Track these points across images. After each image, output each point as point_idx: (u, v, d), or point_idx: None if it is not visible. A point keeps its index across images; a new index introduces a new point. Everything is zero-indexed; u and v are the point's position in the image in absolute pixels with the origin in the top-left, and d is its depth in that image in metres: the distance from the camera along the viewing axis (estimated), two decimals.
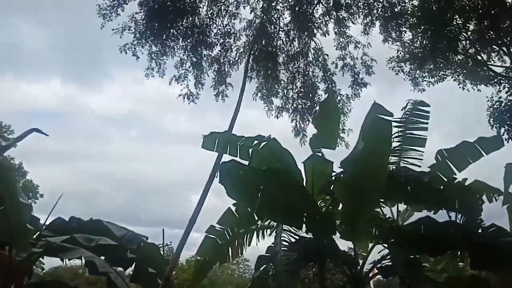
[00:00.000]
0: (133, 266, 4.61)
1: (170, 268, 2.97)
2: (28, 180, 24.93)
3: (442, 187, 4.67)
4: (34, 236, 5.11)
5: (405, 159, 6.05)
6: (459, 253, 4.91)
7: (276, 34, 10.28)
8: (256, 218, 5.79)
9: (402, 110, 6.09)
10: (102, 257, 4.47)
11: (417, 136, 5.93)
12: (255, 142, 5.90)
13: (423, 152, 6.03)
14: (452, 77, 11.48)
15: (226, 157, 5.68)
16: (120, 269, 4.69)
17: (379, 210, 5.99)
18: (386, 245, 5.70)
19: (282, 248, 4.66)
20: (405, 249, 4.21)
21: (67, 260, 4.46)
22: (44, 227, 5.40)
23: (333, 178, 5.20)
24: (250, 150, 5.90)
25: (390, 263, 4.30)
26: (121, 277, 4.20)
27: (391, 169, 5.39)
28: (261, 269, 4.63)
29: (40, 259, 5.62)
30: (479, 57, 11.19)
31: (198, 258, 5.55)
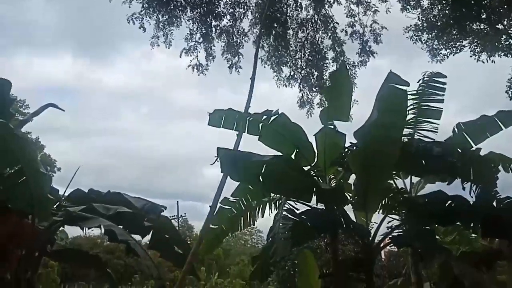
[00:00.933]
0: (151, 234, 4.76)
1: (198, 243, 3.07)
2: (45, 154, 25.58)
3: (456, 158, 4.63)
4: (55, 206, 5.29)
5: (419, 131, 5.98)
6: (471, 224, 4.93)
7: (286, 1, 10.04)
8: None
9: (418, 82, 5.99)
10: (120, 226, 4.61)
11: (432, 108, 5.83)
12: (264, 117, 5.88)
13: (438, 124, 5.96)
14: (470, 47, 11.13)
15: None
16: (138, 237, 4.83)
17: (391, 182, 6.01)
18: (398, 216, 5.76)
19: (282, 219, 4.77)
20: (418, 220, 4.23)
21: (86, 229, 4.61)
22: (63, 198, 5.57)
23: (346, 150, 5.21)
24: (260, 125, 5.90)
25: (402, 234, 4.34)
26: (139, 244, 4.34)
27: (405, 140, 5.35)
28: (270, 239, 4.77)
29: (61, 228, 5.83)
30: (500, 25, 10.78)
31: (213, 227, 5.71)
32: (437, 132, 5.94)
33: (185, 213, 35.54)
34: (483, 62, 10.87)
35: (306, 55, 10.41)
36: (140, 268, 47.22)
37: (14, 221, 4.76)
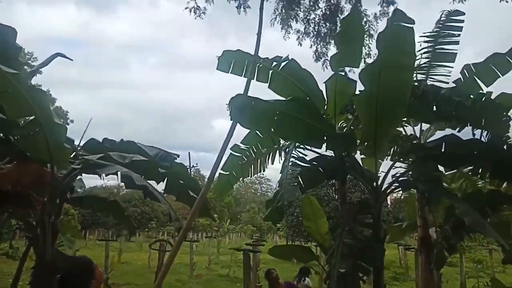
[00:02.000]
0: (165, 180, 4.94)
1: (207, 186, 3.18)
2: (57, 107, 25.85)
3: (467, 103, 4.56)
4: (71, 156, 5.47)
5: (432, 76, 5.86)
6: (480, 169, 4.98)
7: None
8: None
9: (435, 24, 5.76)
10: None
11: (447, 50, 5.63)
12: (274, 63, 5.76)
13: (452, 67, 5.81)
14: None
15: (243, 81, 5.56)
16: (153, 184, 5.01)
17: (401, 129, 6.01)
18: (406, 164, 5.83)
19: (291, 166, 4.87)
20: (426, 165, 4.28)
21: (104, 176, 4.78)
22: (79, 148, 5.72)
23: (355, 96, 5.16)
24: (270, 72, 5.80)
25: (410, 178, 4.43)
26: (156, 189, 4.52)
27: (415, 85, 5.27)
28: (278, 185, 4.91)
29: (79, 177, 6.05)
30: None
31: (224, 173, 5.88)
32: (450, 76, 5.81)
33: (196, 164, 36.36)
34: (507, 2, 10.25)
35: (321, 8, 9.94)
36: (155, 215, 49.38)
37: (34, 169, 4.97)
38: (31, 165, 5.01)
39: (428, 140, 5.74)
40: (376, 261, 4.03)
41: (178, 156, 5.49)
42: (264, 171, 6.21)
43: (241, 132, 6.20)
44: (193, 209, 3.08)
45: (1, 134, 5.32)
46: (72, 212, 23.62)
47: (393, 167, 5.03)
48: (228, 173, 6.18)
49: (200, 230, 38.76)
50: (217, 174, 5.95)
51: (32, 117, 4.68)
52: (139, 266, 17.53)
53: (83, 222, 37.09)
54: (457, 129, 5.24)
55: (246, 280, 8.32)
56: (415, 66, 5.18)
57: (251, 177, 6.02)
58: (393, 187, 4.47)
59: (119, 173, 4.34)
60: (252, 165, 6.16)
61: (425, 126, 6.09)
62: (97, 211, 5.98)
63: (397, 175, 4.54)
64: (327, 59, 9.87)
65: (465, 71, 5.54)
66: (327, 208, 17.57)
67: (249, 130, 6.05)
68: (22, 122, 5.32)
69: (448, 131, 5.38)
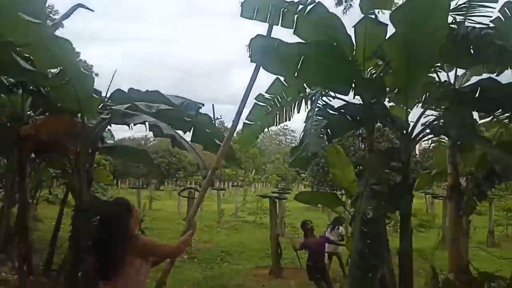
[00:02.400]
0: (192, 129, 5.00)
1: (231, 131, 3.18)
2: (82, 60, 26.07)
3: (509, 45, 4.23)
4: (99, 107, 5.58)
5: (471, 17, 5.44)
6: None
7: None
8: (305, 85, 5.83)
9: None
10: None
11: None
12: (300, 7, 5.46)
13: (494, 8, 5.35)
14: None
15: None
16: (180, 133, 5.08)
17: (434, 75, 5.73)
18: (438, 110, 5.61)
19: (316, 114, 4.76)
20: (460, 111, 4.09)
21: (132, 126, 4.87)
22: (106, 99, 5.81)
23: (386, 40, 4.88)
24: (295, 16, 5.53)
25: (443, 124, 4.27)
26: (183, 138, 4.59)
27: (451, 27, 4.91)
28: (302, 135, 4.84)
29: (108, 128, 6.21)
30: None
31: (249, 123, 5.86)
32: (491, 17, 5.37)
33: (220, 116, 36.63)
34: None
35: None
36: (182, 165, 50.87)
37: (66, 120, 5.13)
38: (63, 115, 5.17)
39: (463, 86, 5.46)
40: (403, 207, 4.02)
41: (203, 105, 5.50)
42: (289, 120, 6.14)
43: (265, 82, 6.09)
44: (220, 150, 3.11)
45: (33, 87, 5.46)
46: (103, 162, 24.63)
47: (423, 116, 4.86)
48: (252, 123, 6.15)
49: (226, 180, 39.87)
50: (241, 125, 5.96)
51: (59, 68, 4.73)
52: (169, 213, 18.44)
53: (114, 172, 38.73)
54: (495, 73, 4.95)
55: (272, 225, 8.60)
56: (453, 6, 4.81)
57: (276, 126, 5.97)
58: (424, 133, 4.33)
59: (146, 122, 4.39)
60: (277, 115, 6.09)
61: (460, 71, 5.78)
62: (128, 160, 6.17)
63: (430, 120, 4.38)
64: (350, 4, 9.33)
65: (505, 9, 5.10)
66: (353, 158, 17.48)
67: (273, 79, 5.93)
68: (51, 73, 5.41)
69: (485, 75, 5.10)
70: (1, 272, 7.31)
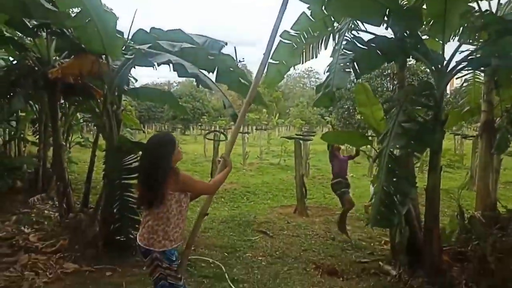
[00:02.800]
0: (216, 69, 4.92)
1: (260, 70, 3.09)
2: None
3: None
4: (123, 48, 5.53)
5: None
6: None
7: None
8: (333, 19, 5.52)
9: None
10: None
11: None
12: None
13: None
14: None
15: None
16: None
17: (474, 4, 5.29)
18: (476, 44, 5.25)
19: (343, 49, 4.53)
20: (503, 41, 3.79)
21: (156, 66, 4.84)
22: (128, 40, 5.74)
23: None
24: None
25: (481, 57, 4.01)
26: (208, 77, 4.53)
27: None
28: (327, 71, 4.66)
29: (133, 68, 6.18)
30: None
31: (274, 62, 5.69)
32: None
33: (243, 58, 35.87)
34: None
35: None
36: (206, 110, 51.18)
37: (92, 60, 5.14)
38: (88, 56, 5.17)
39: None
40: (434, 144, 3.93)
41: (226, 44, 5.35)
42: (316, 57, 5.91)
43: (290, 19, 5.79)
44: (253, 83, 3.06)
45: (57, 28, 5.44)
46: (129, 108, 25.12)
47: (459, 51, 4.56)
48: (277, 62, 5.96)
49: (250, 124, 40.06)
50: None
51: (80, 8, 4.65)
52: (196, 156, 18.93)
53: (140, 118, 39.56)
54: None
55: (297, 166, 8.69)
56: None
57: (302, 63, 5.77)
58: (460, 67, 4.09)
59: (171, 62, 4.33)
60: (304, 52, 5.87)
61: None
62: (153, 101, 6.20)
63: (467, 53, 4.11)
64: None
65: None
66: (380, 100, 17.01)
67: (299, 15, 5.64)
68: (74, 13, 5.34)
69: None
70: (44, 210, 7.86)
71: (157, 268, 2.72)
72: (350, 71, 4.45)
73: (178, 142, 2.93)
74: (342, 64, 4.37)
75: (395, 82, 5.04)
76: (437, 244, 4.37)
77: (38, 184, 9.01)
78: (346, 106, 21.71)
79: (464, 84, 8.44)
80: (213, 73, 5.07)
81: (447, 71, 4.09)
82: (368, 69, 4.69)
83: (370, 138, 5.64)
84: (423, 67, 19.60)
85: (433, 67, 4.17)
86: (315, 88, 4.81)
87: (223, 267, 5.00)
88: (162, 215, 2.71)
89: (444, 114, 4.19)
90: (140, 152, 2.98)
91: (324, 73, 4.87)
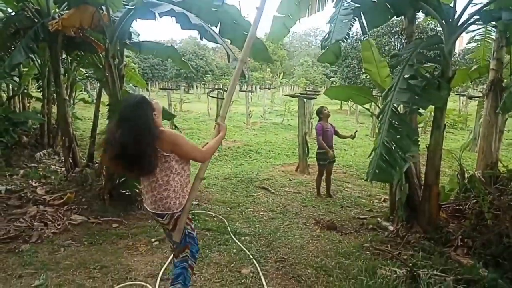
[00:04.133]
0: (219, 23, 4.78)
1: (257, 17, 2.97)
2: None
3: None
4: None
5: None
6: None
7: None
8: None
9: None
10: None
11: None
12: None
13: None
14: None
15: None
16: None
17: None
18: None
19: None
20: None
21: (158, 18, 4.69)
22: None
23: None
24: None
25: (492, 10, 3.85)
26: (211, 29, 4.41)
27: None
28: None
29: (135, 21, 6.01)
30: None
31: (278, 15, 5.49)
32: None
33: (248, 14, 34.64)
34: None
35: None
36: (210, 68, 50.41)
37: (92, 12, 5.00)
38: (88, 8, 5.03)
39: None
40: (440, 101, 3.88)
41: None
42: (322, 10, 5.69)
43: None
44: (245, 46, 2.95)
45: None
46: (133, 65, 24.80)
47: (472, 4, 4.37)
48: (283, 15, 5.75)
49: (254, 84, 39.61)
50: (271, 19, 5.61)
51: None
52: (199, 114, 18.90)
53: (144, 76, 39.12)
54: None
55: (300, 125, 8.68)
56: None
57: (308, 16, 5.56)
58: (472, 20, 3.94)
59: (174, 12, 4.19)
60: (310, 5, 5.65)
61: None
62: (156, 56, 6.06)
63: (478, 7, 3.95)
64: None
65: None
66: (387, 58, 16.70)
67: None
68: None
69: None
70: (50, 164, 8.00)
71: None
72: (351, 23, 4.27)
73: (151, 98, 2.65)
74: (343, 15, 4.19)
75: (403, 40, 4.87)
76: (436, 201, 4.45)
77: (44, 140, 9.12)
78: (352, 65, 21.33)
79: (473, 45, 8.22)
80: (216, 27, 4.94)
81: (458, 25, 3.95)
82: (376, 23, 4.51)
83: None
84: (433, 25, 18.99)
85: (443, 21, 4.02)
86: (321, 42, 4.66)
87: (225, 221, 5.14)
88: (167, 178, 2.56)
89: (452, 71, 4.10)
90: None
91: (325, 25, 4.72)
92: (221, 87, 17.88)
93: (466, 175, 5.59)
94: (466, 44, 10.58)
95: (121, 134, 2.40)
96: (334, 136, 6.66)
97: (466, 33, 5.80)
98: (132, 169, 2.53)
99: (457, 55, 19.47)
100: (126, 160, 2.47)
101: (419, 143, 4.35)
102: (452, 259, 3.82)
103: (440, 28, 4.17)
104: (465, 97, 18.79)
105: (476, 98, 15.37)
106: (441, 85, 3.76)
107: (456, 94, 19.08)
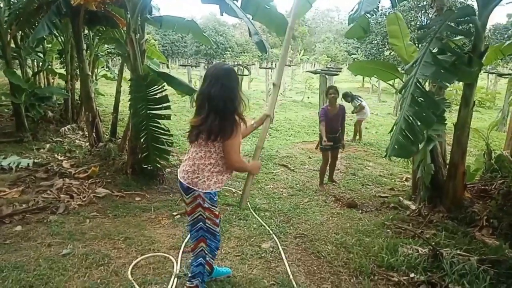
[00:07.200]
0: None
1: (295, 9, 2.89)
2: None
3: None
4: None
5: None
6: None
7: None
8: None
9: None
10: None
11: None
12: None
13: None
14: None
15: None
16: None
17: None
18: None
19: None
20: None
21: None
22: None
23: None
24: None
25: None
26: (232, 2, 4.31)
27: None
28: None
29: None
30: None
31: None
32: None
33: None
34: None
35: None
36: (230, 45, 50.06)
37: None
38: None
39: None
40: (470, 76, 3.71)
41: None
42: None
43: None
44: (288, 28, 2.88)
45: None
46: (153, 42, 24.79)
47: None
48: None
49: (274, 61, 39.09)
50: None
51: None
52: None
53: (164, 52, 39.14)
54: None
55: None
56: None
57: None
58: None
59: None
60: None
61: None
62: (177, 31, 5.99)
63: None
64: None
65: None
66: (414, 34, 16.12)
67: None
68: None
69: None
70: (75, 139, 8.20)
71: (198, 207, 2.52)
72: None
73: None
74: None
75: (432, 14, 4.64)
76: (461, 180, 4.33)
77: (68, 115, 9.32)
78: (375, 42, 20.69)
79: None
80: (237, 1, 4.84)
81: None
82: None
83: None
84: None
85: None
86: (347, 19, 4.48)
87: None
88: (214, 155, 2.48)
89: (484, 45, 3.90)
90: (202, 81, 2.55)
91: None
92: (241, 63, 17.69)
93: (493, 155, 5.42)
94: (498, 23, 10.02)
95: (214, 89, 2.37)
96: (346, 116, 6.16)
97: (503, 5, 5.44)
98: (210, 128, 2.39)
99: (487, 30, 18.57)
100: (212, 115, 2.38)
101: (446, 121, 4.21)
102: (477, 239, 3.75)
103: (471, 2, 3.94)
104: (494, 74, 18.01)
105: (506, 76, 14.71)
106: (473, 60, 3.59)
107: (485, 72, 18.30)
